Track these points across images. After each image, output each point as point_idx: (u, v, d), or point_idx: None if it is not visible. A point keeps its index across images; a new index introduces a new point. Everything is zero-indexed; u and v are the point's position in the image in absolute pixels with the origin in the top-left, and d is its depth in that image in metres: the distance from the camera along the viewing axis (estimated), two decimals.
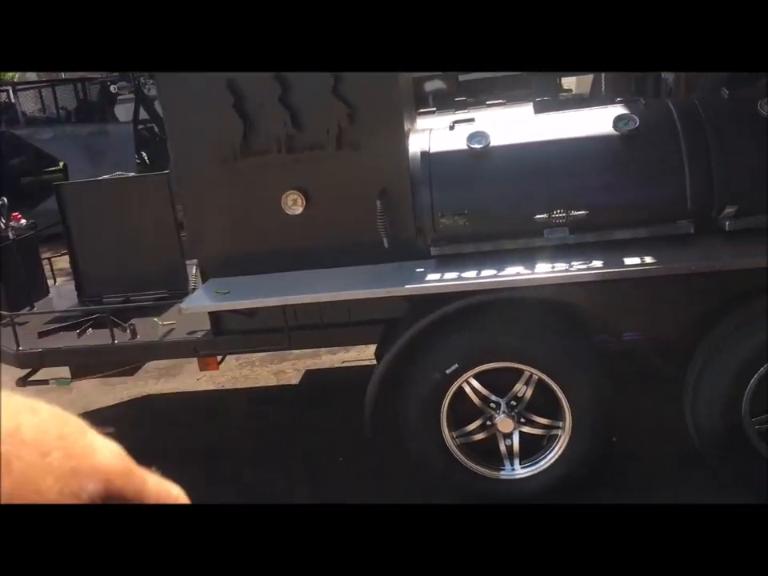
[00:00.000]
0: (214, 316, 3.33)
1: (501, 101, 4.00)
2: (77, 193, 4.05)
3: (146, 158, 12.31)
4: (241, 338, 3.35)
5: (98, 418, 4.36)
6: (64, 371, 3.68)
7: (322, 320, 3.25)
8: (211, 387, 4.81)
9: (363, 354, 4.84)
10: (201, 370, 3.60)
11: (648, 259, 2.76)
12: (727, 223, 2.82)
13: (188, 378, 4.98)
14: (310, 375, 4.80)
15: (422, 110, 3.83)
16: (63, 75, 15.09)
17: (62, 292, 4.43)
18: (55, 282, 4.60)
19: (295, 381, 4.75)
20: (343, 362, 4.92)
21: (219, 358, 3.58)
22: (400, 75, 3.04)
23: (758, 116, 2.82)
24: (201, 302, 3.09)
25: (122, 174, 4.23)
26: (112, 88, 10.87)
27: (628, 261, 2.78)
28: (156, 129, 13.47)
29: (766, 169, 2.79)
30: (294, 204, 3.10)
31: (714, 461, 2.97)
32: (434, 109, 3.99)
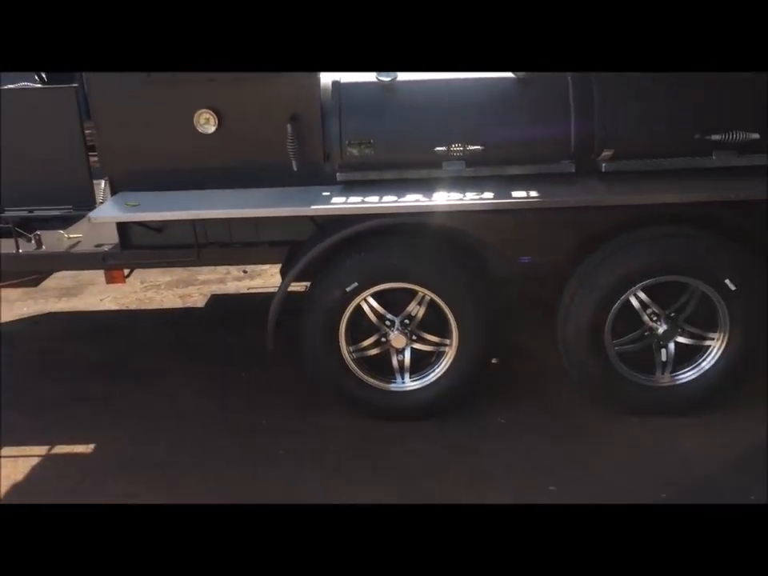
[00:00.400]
0: (123, 229, 3.40)
1: None
2: None
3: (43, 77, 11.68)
4: (149, 252, 3.44)
5: None
6: None
7: (231, 238, 3.39)
8: (114, 307, 4.86)
9: (269, 282, 5.01)
10: (107, 283, 3.66)
11: (533, 193, 3.05)
12: (604, 165, 3.14)
13: (91, 297, 5.01)
14: (216, 299, 4.93)
15: None
16: None
17: None
18: None
19: (201, 304, 4.87)
20: (249, 288, 5.07)
21: (126, 272, 3.67)
22: None
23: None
24: (110, 213, 3.16)
25: (27, 84, 4.12)
26: None
27: (516, 194, 3.05)
28: None
29: (639, 118, 3.12)
30: (206, 123, 3.18)
31: (578, 378, 3.34)
32: None
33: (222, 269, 5.34)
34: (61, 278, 5.15)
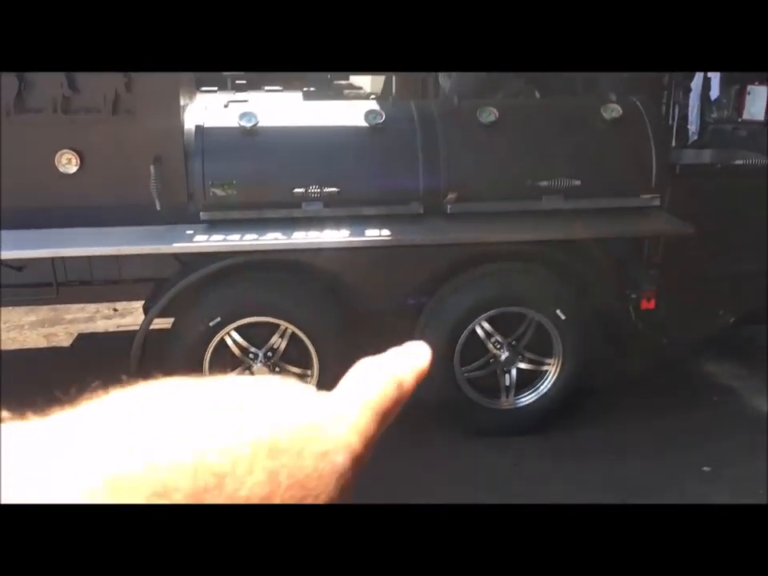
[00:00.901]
0: None
1: (278, 88, 4.39)
2: None
3: None
4: (9, 290, 3.42)
5: None
6: None
7: (92, 276, 3.43)
8: None
9: (140, 320, 5.00)
10: None
11: (385, 232, 3.31)
12: (449, 207, 3.45)
13: None
14: (83, 338, 4.87)
15: (204, 89, 4.11)
16: None
17: None
18: None
19: (66, 343, 4.80)
20: (119, 326, 5.04)
21: None
22: None
23: (477, 121, 3.47)
24: None
25: None
26: None
27: (369, 233, 3.30)
28: None
29: (479, 166, 3.46)
30: (67, 163, 3.24)
31: (432, 402, 3.59)
32: (216, 89, 4.27)
33: (91, 307, 5.28)
34: None
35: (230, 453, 0.29)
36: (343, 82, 11.62)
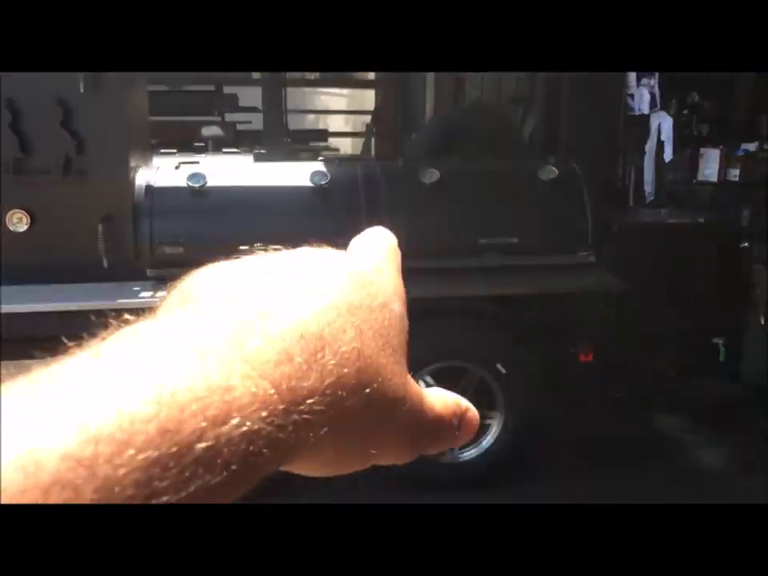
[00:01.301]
0: None
1: (236, 150, 4.56)
2: None
3: None
4: None
5: None
6: None
7: (35, 333, 3.48)
8: None
9: None
10: None
11: None
12: None
13: None
14: None
15: (163, 150, 4.26)
16: None
17: None
18: None
19: None
20: None
21: None
22: (131, 118, 3.45)
23: (420, 182, 3.61)
24: None
25: None
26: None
27: None
28: None
29: (422, 221, 3.58)
30: (18, 221, 3.34)
31: None
32: (175, 151, 4.43)
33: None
34: None
35: (322, 316, 0.30)
36: (321, 144, 11.93)
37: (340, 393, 0.29)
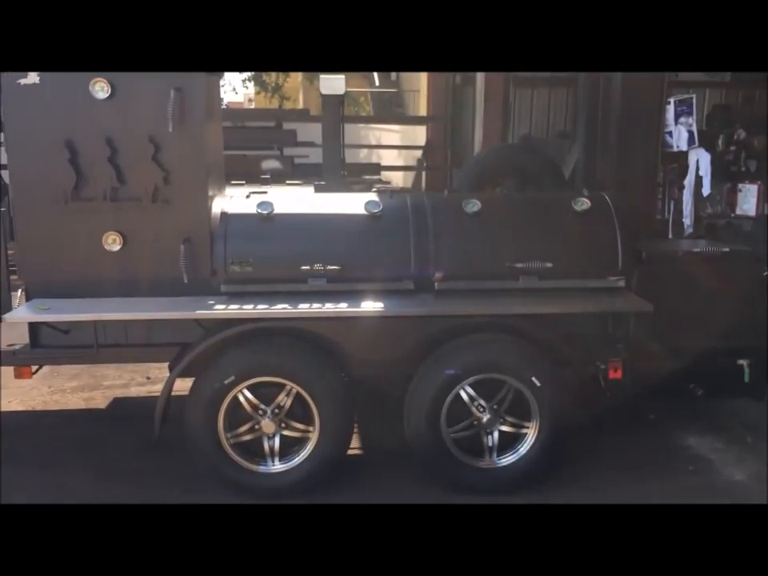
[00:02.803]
0: (33, 330, 3.95)
1: (298, 182, 5.04)
2: None
3: None
4: (56, 351, 3.98)
5: None
6: None
7: (127, 339, 3.97)
8: (21, 408, 5.25)
9: None
10: (15, 378, 4.12)
11: (379, 305, 3.79)
12: (436, 284, 3.93)
13: None
14: (118, 401, 5.39)
15: (233, 182, 4.77)
16: None
17: None
18: None
19: (103, 406, 5.31)
20: (149, 392, 5.56)
21: (34, 368, 4.16)
22: (209, 152, 3.94)
23: (463, 211, 4.00)
24: (23, 314, 3.72)
25: None
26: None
27: (364, 305, 3.79)
28: None
29: (463, 249, 3.96)
30: (113, 242, 3.85)
31: (421, 461, 3.97)
32: (243, 182, 4.93)
33: (126, 375, 5.84)
34: None
35: None
36: (374, 177, 12.46)
37: None
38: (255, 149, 11.71)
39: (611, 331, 4.04)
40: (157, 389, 5.53)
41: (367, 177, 12.40)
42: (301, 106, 17.89)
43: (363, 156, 14.87)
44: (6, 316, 3.68)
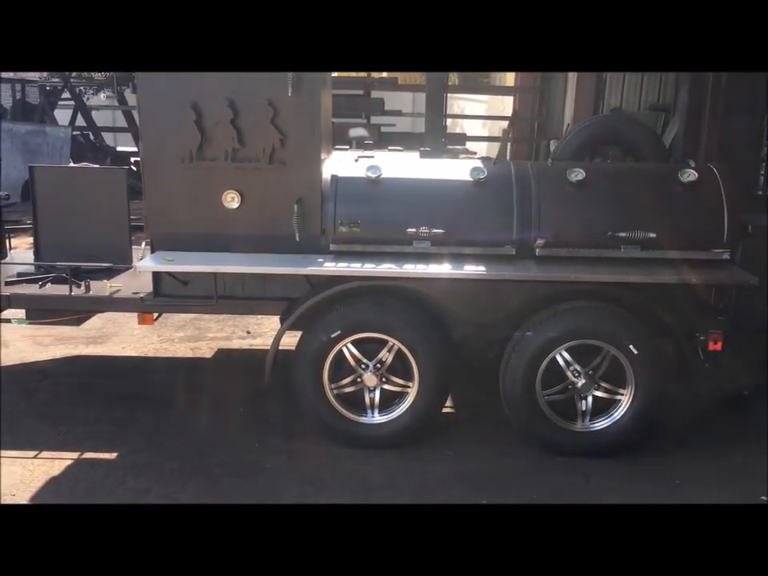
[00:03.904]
0: (157, 279, 4.26)
1: (399, 148, 5.19)
2: (48, 175, 4.90)
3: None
4: (177, 300, 4.29)
5: (33, 368, 5.17)
6: (22, 314, 4.50)
7: (243, 291, 4.24)
8: (134, 354, 5.65)
9: (268, 342, 5.81)
10: (139, 323, 4.47)
11: (481, 268, 3.92)
12: (538, 250, 4.02)
13: (114, 346, 5.80)
14: (221, 352, 5.72)
15: (338, 146, 4.95)
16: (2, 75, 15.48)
17: (16, 257, 5.21)
18: (10, 249, 5.38)
19: (208, 356, 5.66)
20: (250, 345, 5.88)
21: (155, 315, 4.49)
22: (321, 119, 4.12)
23: (566, 180, 4.06)
24: (151, 264, 4.03)
25: (87, 164, 5.09)
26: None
27: (467, 268, 3.93)
28: (91, 136, 14.10)
29: (566, 217, 4.03)
30: (231, 201, 4.09)
31: (516, 422, 4.10)
32: (347, 147, 5.11)
33: (228, 329, 6.17)
34: (88, 330, 5.97)
35: None
36: (459, 147, 12.48)
37: None
38: (343, 116, 11.93)
39: (713, 303, 4.05)
40: (257, 342, 5.86)
41: (452, 147, 12.45)
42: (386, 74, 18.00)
43: (448, 127, 14.85)
44: (138, 265, 3.99)
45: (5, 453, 3.96)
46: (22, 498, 3.55)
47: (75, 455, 4.00)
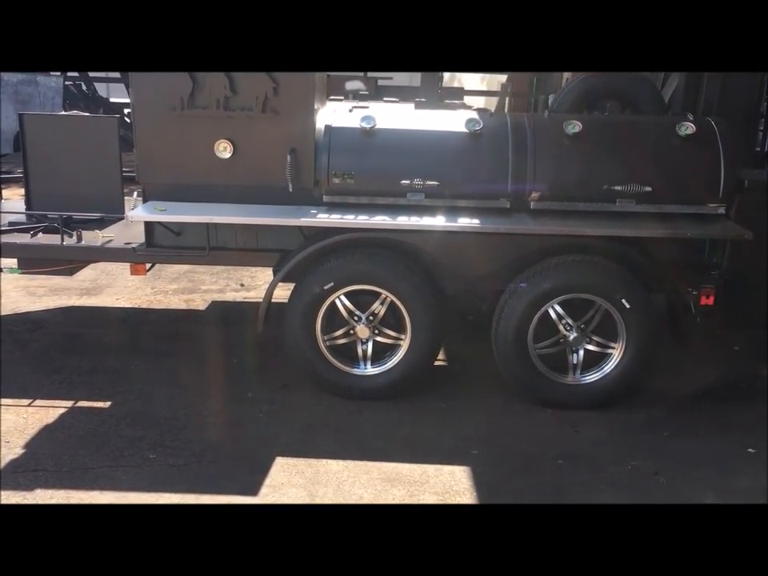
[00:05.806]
0: (149, 230, 4.23)
1: (394, 99, 5.11)
2: (37, 123, 4.81)
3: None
4: (170, 250, 4.26)
5: (27, 318, 5.17)
6: (14, 264, 4.49)
7: (236, 242, 4.22)
8: (128, 305, 5.65)
9: (262, 294, 5.81)
10: (132, 274, 4.45)
11: (475, 221, 3.90)
12: (532, 204, 4.00)
13: (107, 297, 5.79)
14: (215, 304, 5.72)
15: (332, 97, 4.87)
16: None
17: (8, 206, 5.16)
18: (2, 199, 5.33)
19: (202, 308, 5.66)
20: (244, 298, 5.88)
21: (148, 266, 4.48)
22: None
23: (563, 132, 4.01)
24: (143, 214, 4.00)
25: (78, 112, 5.00)
26: None
27: (461, 220, 3.91)
28: (83, 86, 13.87)
29: (561, 170, 3.99)
30: (224, 150, 4.04)
31: (509, 376, 4.13)
32: (342, 98, 5.03)
33: (222, 281, 6.16)
34: (81, 281, 5.96)
35: None
36: (456, 102, 12.30)
37: None
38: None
39: (707, 258, 4.05)
40: (250, 295, 5.86)
41: (449, 101, 12.26)
42: None
43: (445, 81, 14.61)
44: (130, 214, 3.96)
45: None
46: (16, 444, 3.58)
47: (69, 404, 4.02)
